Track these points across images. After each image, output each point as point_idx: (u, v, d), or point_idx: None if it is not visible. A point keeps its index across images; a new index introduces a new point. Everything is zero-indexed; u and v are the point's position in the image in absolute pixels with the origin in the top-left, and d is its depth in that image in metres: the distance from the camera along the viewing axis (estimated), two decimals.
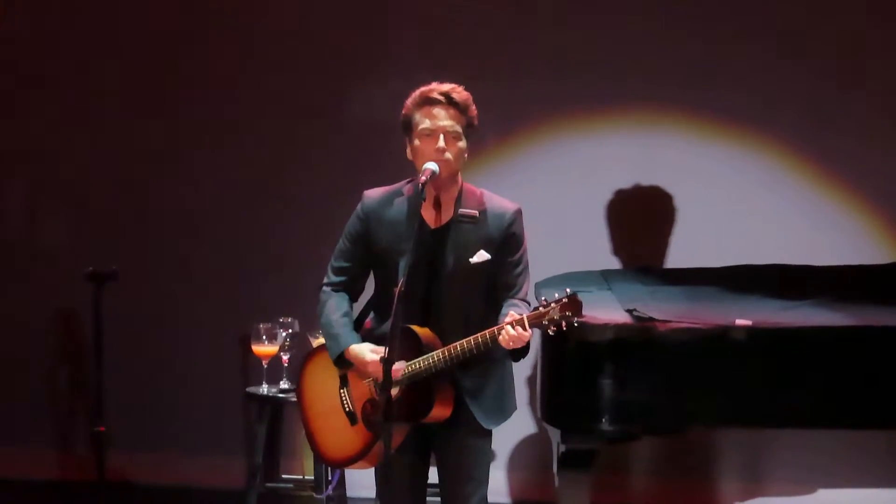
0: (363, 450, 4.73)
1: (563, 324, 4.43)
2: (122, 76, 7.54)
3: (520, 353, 4.61)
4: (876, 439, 6.68)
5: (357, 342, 4.73)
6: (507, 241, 4.71)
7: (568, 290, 4.44)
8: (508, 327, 4.47)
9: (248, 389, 6.76)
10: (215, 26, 7.52)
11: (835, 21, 7.05)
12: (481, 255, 4.69)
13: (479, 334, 4.54)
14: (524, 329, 4.46)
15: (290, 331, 6.60)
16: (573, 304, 4.42)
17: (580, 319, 4.44)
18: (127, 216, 7.57)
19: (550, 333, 4.50)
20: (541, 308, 4.47)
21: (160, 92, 7.52)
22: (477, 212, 4.71)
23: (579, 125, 7.24)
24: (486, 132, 6.98)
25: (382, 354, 4.47)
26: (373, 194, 4.82)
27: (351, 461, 4.79)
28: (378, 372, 4.52)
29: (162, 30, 7.54)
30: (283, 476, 7.11)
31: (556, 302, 4.43)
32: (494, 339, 4.50)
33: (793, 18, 7.07)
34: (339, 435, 4.79)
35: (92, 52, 7.57)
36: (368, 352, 4.67)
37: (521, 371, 4.86)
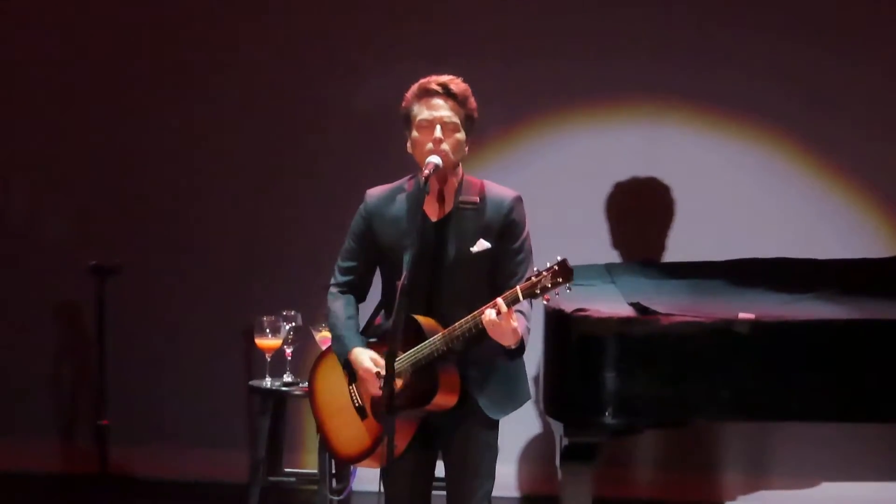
0: (374, 443, 4.73)
1: (556, 290, 4.44)
2: (125, 72, 7.54)
3: (514, 351, 4.59)
4: (880, 433, 6.67)
5: (360, 345, 4.74)
6: (507, 229, 4.71)
7: (559, 257, 4.45)
8: (489, 311, 4.47)
9: (251, 383, 6.75)
10: (216, 22, 7.51)
11: (838, 10, 7.04)
12: (481, 245, 4.69)
13: (472, 314, 4.53)
14: (508, 307, 4.44)
15: (294, 324, 6.59)
16: (563, 270, 4.43)
17: (573, 284, 4.45)
18: (130, 210, 7.57)
19: (545, 302, 4.52)
20: (532, 278, 4.48)
21: (163, 87, 7.52)
22: (477, 198, 4.71)
23: (582, 117, 7.23)
24: (488, 125, 7.00)
25: (379, 369, 4.57)
26: (375, 192, 4.82)
27: (364, 455, 4.78)
28: (369, 381, 4.62)
29: (162, 25, 7.53)
30: (286, 470, 7.09)
31: (548, 270, 4.44)
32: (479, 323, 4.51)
33: (795, 7, 7.06)
34: (350, 431, 4.78)
35: (92, 48, 7.57)
36: (367, 359, 4.68)
37: (525, 365, 4.84)
